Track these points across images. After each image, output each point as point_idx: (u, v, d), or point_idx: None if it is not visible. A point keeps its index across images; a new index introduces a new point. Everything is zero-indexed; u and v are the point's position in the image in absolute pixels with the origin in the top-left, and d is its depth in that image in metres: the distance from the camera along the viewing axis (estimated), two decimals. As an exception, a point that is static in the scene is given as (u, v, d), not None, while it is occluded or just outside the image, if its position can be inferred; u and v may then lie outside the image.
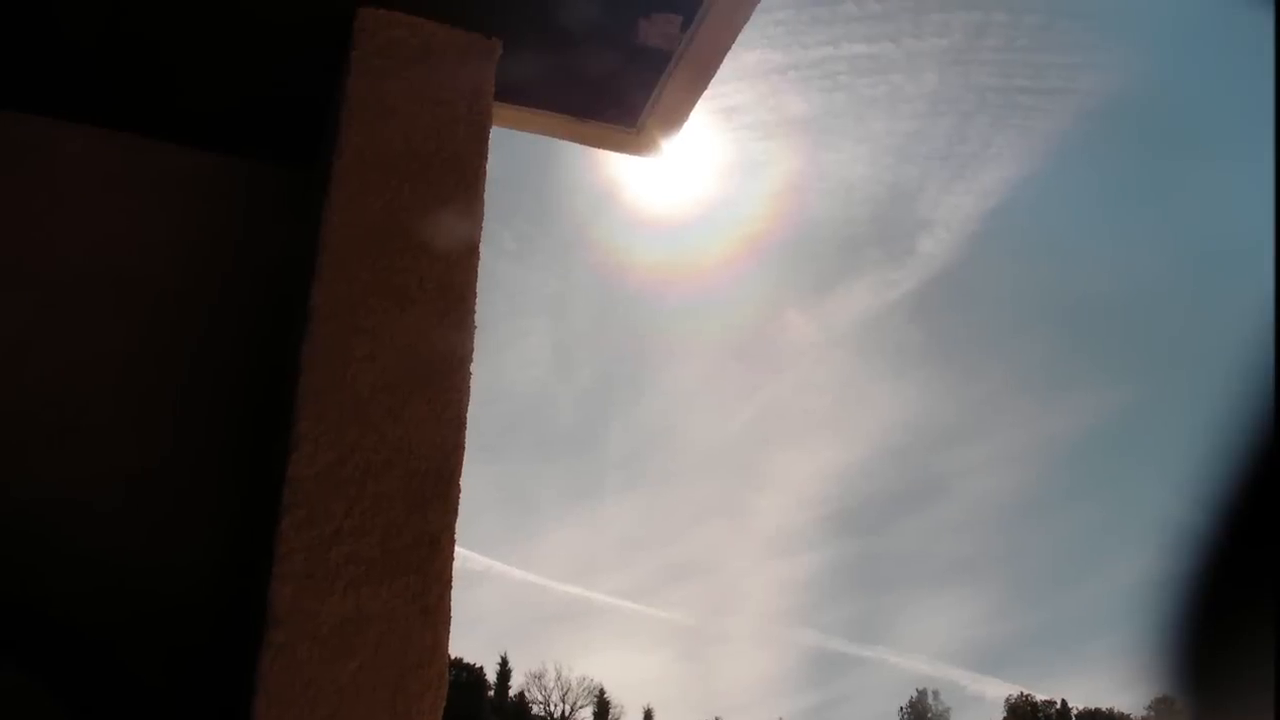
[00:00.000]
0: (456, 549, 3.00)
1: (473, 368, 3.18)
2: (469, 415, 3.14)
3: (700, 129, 4.33)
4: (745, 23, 3.78)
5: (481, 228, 3.38)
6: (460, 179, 3.38)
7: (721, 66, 3.92)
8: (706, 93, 3.99)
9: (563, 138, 4.15)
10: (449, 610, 2.92)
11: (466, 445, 3.12)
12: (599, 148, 4.21)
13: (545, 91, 3.93)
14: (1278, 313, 1.66)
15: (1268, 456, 1.61)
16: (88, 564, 3.28)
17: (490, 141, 3.49)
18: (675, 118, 4.04)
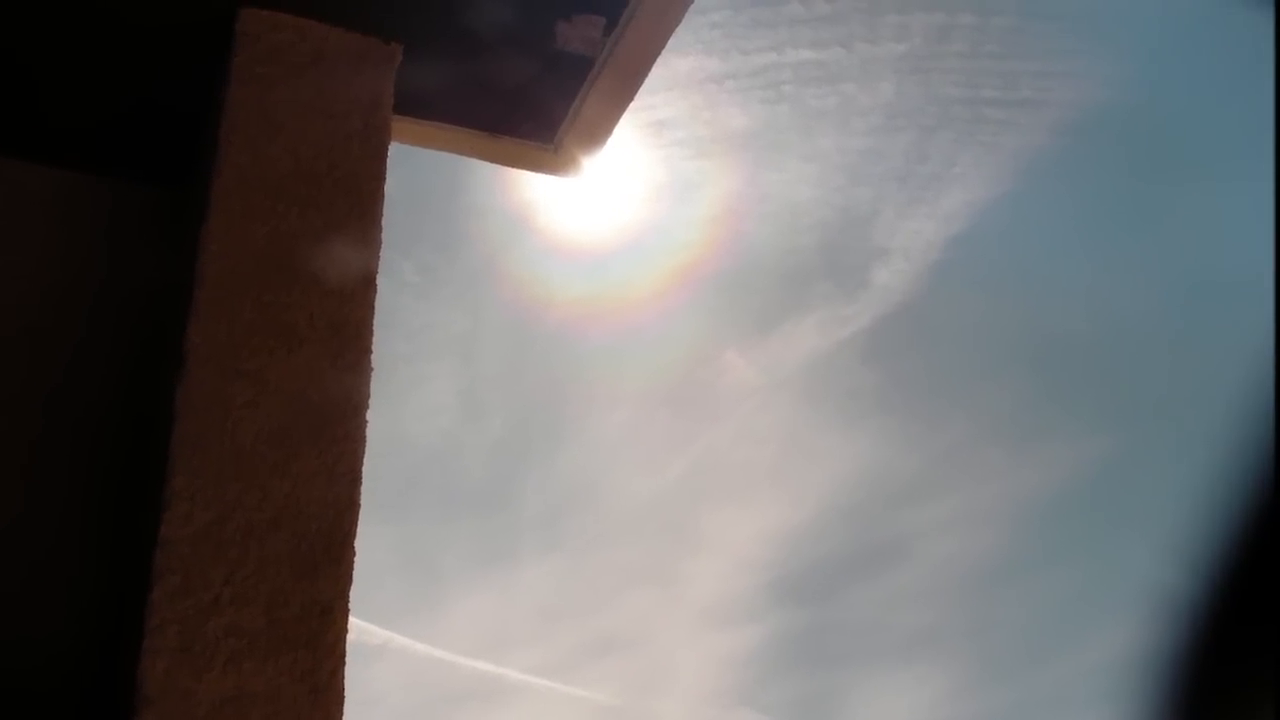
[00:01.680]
0: (351, 620, 2.99)
1: (369, 415, 3.19)
2: (365, 469, 3.14)
3: (626, 145, 4.37)
4: (676, 25, 3.81)
5: (379, 257, 3.38)
6: (355, 202, 3.40)
7: (650, 75, 3.95)
8: (633, 104, 4.02)
9: (471, 155, 4.17)
10: (342, 689, 2.91)
11: (362, 503, 3.11)
12: (513, 166, 4.23)
13: (451, 103, 3.95)
14: (1278, 352, 1.67)
15: (1267, 515, 1.59)
16: (-74, 642, 3.24)
17: (389, 160, 3.51)
18: (598, 133, 4.07)
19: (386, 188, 3.46)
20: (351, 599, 3.01)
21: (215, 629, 2.82)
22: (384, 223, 3.43)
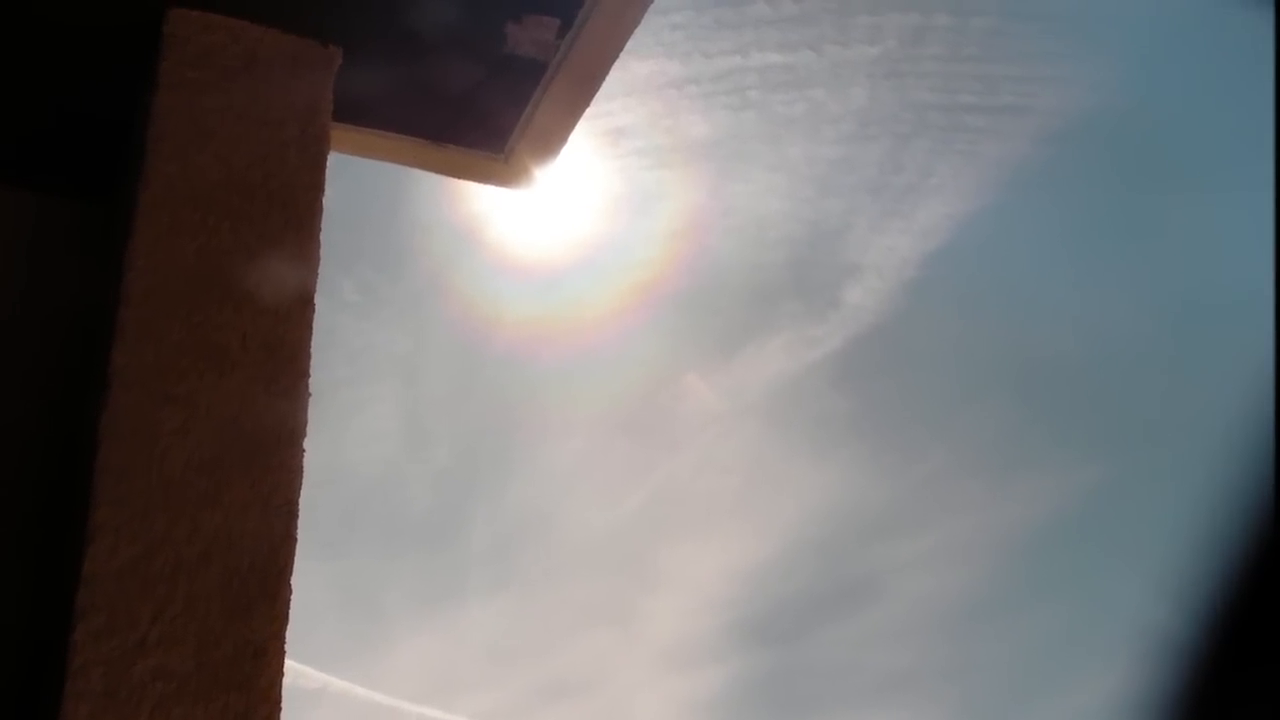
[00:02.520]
0: (286, 662, 3.00)
1: (306, 443, 3.19)
2: (302, 500, 3.14)
3: (581, 155, 4.40)
4: (635, 27, 3.82)
5: (317, 274, 3.39)
6: (291, 215, 3.40)
7: (607, 80, 3.97)
8: (589, 111, 4.03)
9: (416, 165, 4.19)
10: (278, 736, 2.91)
11: (299, 537, 3.11)
12: (460, 177, 4.24)
13: (394, 109, 3.97)
14: (1278, 375, 1.67)
15: (1268, 549, 1.58)
16: None
17: (328, 170, 3.51)
18: (551, 141, 4.09)
19: (325, 200, 3.47)
20: (287, 639, 3.01)
21: (142, 672, 2.82)
22: (322, 237, 3.43)
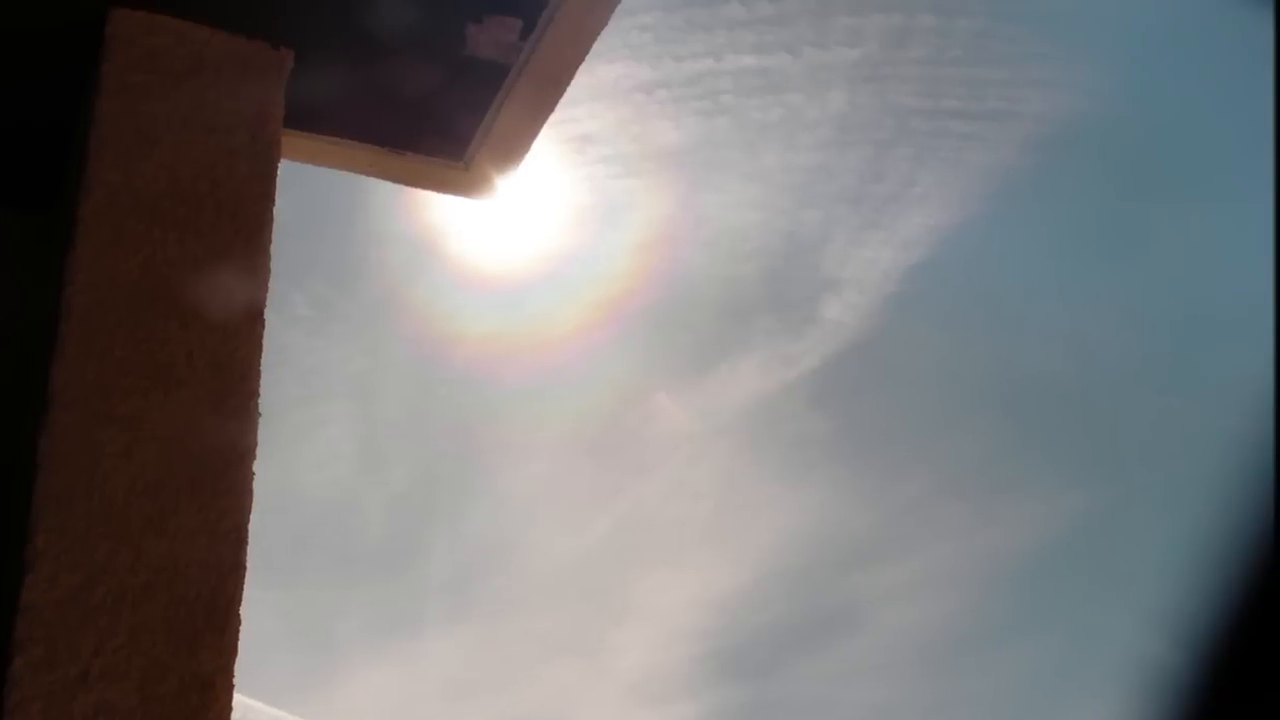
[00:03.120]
0: (235, 696, 2.99)
1: (256, 466, 3.20)
2: (252, 526, 3.14)
3: (546, 163, 4.41)
4: (602, 28, 3.83)
5: (267, 288, 3.39)
6: (240, 226, 3.40)
7: (572, 84, 3.98)
8: (554, 117, 4.04)
9: (371, 174, 4.18)
10: (225, 773, 2.90)
11: (248, 564, 3.10)
12: (418, 186, 4.24)
13: (348, 115, 3.98)
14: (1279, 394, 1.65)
15: (1267, 578, 1.57)
16: None
17: (279, 179, 3.51)
18: (514, 148, 4.10)
19: (276, 210, 3.47)
20: (236, 673, 3.00)
21: (83, 706, 2.81)
22: (273, 249, 3.43)
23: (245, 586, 3.09)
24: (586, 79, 3.98)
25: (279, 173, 3.52)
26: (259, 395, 3.26)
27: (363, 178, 4.20)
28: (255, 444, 3.21)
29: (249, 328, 3.30)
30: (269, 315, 3.36)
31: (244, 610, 3.07)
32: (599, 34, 3.85)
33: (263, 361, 3.30)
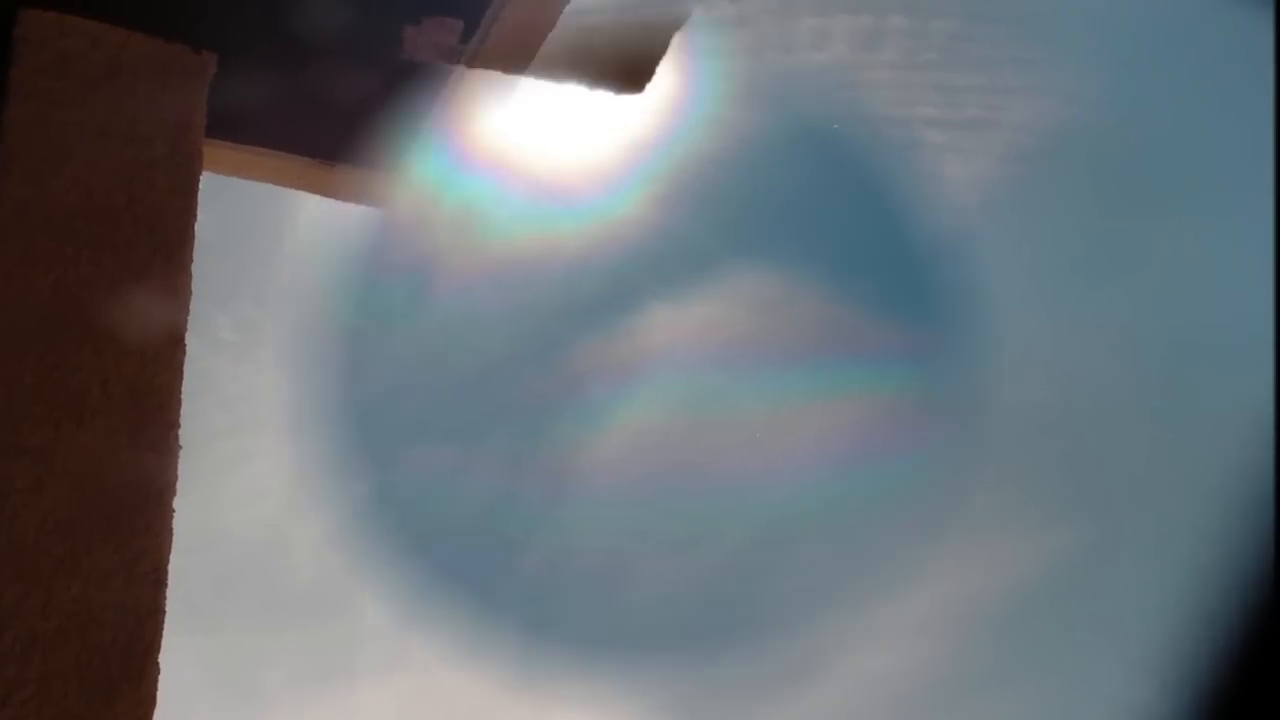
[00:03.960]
0: (155, 751, 2.99)
1: (177, 503, 3.18)
2: (171, 567, 3.12)
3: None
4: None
5: (189, 311, 3.38)
6: (160, 244, 3.39)
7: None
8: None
9: (300, 187, 4.17)
10: (143, 836, 2.89)
11: (168, 608, 3.09)
12: (350, 200, 4.22)
13: (276, 124, 3.96)
14: None
15: (1267, 622, 1.55)
16: None
17: (201, 193, 3.49)
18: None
19: (198, 227, 3.45)
20: (155, 725, 2.99)
21: (-10, 763, 2.80)
22: (195, 269, 3.41)
23: (164, 632, 3.07)
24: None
25: (201, 186, 3.50)
26: (180, 426, 3.25)
27: (292, 191, 4.19)
28: (175, 478, 3.19)
29: (169, 353, 3.29)
30: (191, 339, 3.35)
31: (163, 658, 3.06)
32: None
33: (184, 389, 3.28)
